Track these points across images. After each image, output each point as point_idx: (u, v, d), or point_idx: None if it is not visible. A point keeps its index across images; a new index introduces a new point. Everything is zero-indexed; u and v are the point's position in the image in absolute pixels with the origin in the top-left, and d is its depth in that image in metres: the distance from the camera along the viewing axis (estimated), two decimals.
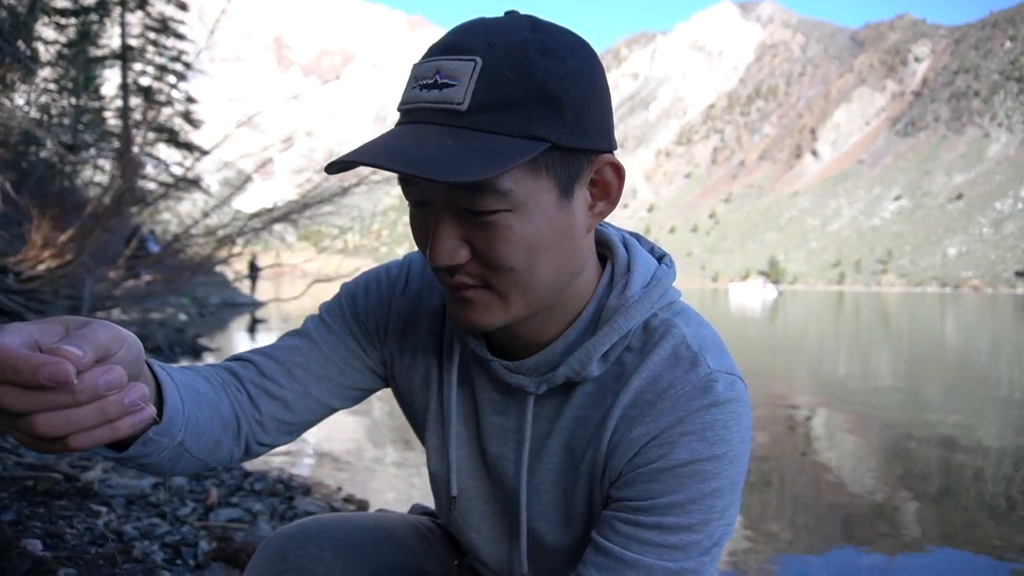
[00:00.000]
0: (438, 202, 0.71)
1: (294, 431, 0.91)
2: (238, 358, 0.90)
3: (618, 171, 0.75)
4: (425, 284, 0.93)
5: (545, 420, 0.84)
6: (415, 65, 0.71)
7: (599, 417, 0.80)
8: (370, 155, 0.66)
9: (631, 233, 0.89)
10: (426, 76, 0.69)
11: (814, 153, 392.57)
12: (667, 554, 0.74)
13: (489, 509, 0.91)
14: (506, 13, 0.74)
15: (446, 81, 0.67)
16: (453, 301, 0.76)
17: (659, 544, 0.74)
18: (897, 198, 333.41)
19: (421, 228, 0.75)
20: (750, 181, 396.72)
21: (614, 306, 0.80)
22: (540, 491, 0.85)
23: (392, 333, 0.92)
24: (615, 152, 0.76)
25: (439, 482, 0.94)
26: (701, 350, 0.78)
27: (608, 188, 0.76)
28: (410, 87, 0.70)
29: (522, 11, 0.74)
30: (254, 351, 0.90)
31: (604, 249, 0.85)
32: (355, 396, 0.94)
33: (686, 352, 0.78)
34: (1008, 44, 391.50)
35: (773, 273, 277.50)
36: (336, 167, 0.68)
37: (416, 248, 0.96)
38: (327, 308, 0.94)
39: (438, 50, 0.70)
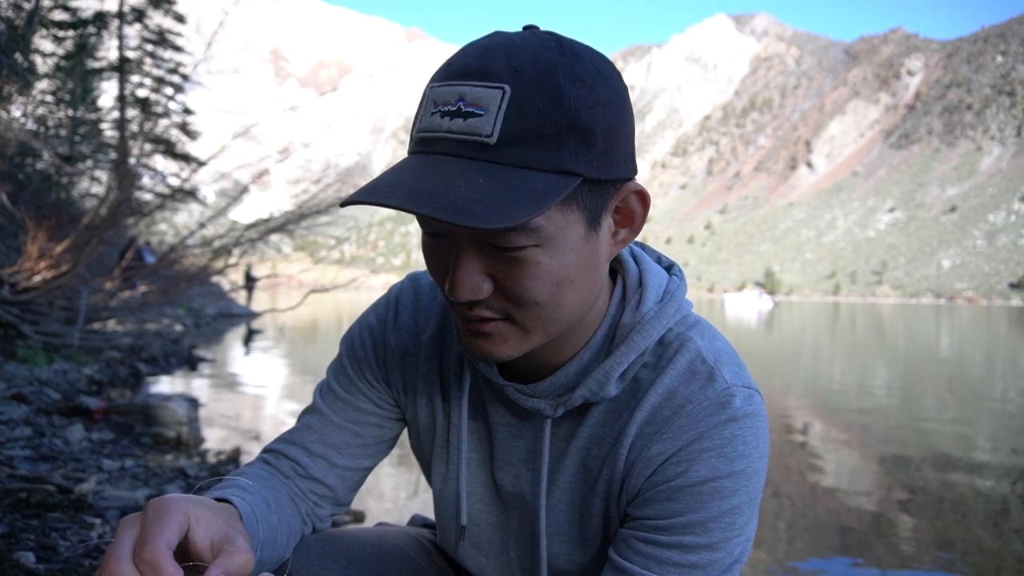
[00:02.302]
0: (460, 236, 0.67)
1: (342, 499, 0.93)
2: (269, 450, 0.93)
3: (643, 199, 0.73)
4: (419, 314, 0.92)
5: (560, 440, 0.82)
6: (433, 87, 0.66)
7: (615, 435, 0.79)
8: (396, 195, 0.61)
9: (636, 243, 0.87)
10: (447, 102, 0.64)
11: (809, 165, 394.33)
12: (688, 573, 0.73)
13: (499, 535, 0.90)
14: (525, 28, 0.70)
15: (471, 110, 0.63)
16: (468, 333, 0.73)
17: (679, 563, 0.73)
18: (891, 210, 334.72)
19: (438, 260, 0.71)
20: (745, 192, 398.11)
21: (629, 324, 0.77)
22: (556, 511, 0.84)
23: (393, 370, 0.92)
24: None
25: (447, 510, 0.92)
26: (717, 364, 0.76)
27: (632, 216, 0.73)
28: (428, 112, 0.65)
29: (521, 23, 0.72)
30: (278, 441, 0.93)
31: (613, 263, 0.82)
32: (382, 449, 0.95)
33: (702, 366, 0.76)
34: (1000, 58, 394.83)
35: (769, 284, 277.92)
36: (353, 204, 0.63)
37: (406, 278, 0.96)
38: (332, 370, 0.95)
39: (459, 73, 0.65)
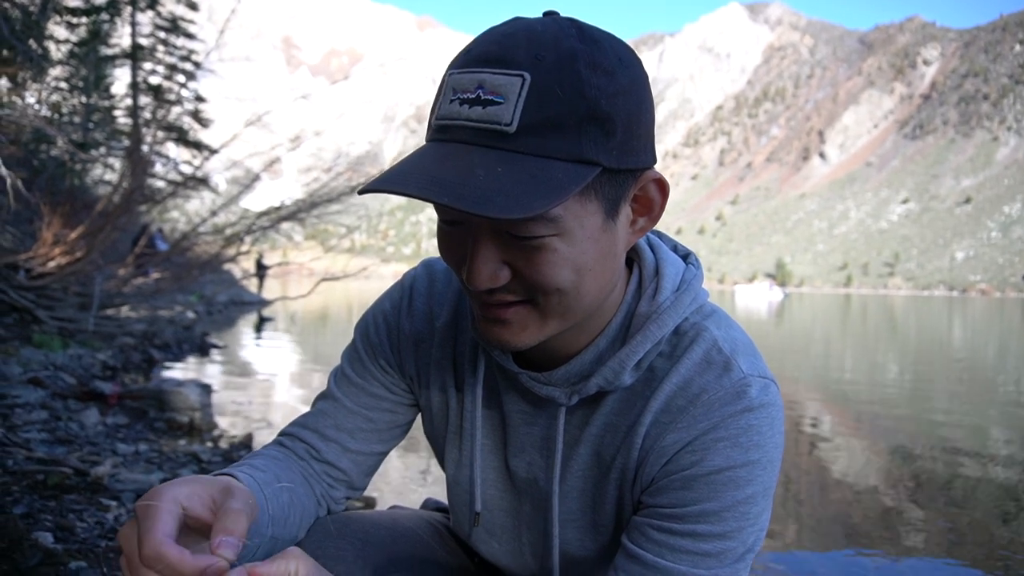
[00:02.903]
0: (478, 224, 0.67)
1: (356, 484, 0.94)
2: (284, 434, 0.94)
3: (662, 188, 0.72)
4: (433, 300, 0.92)
5: (574, 428, 0.82)
6: (452, 74, 0.66)
7: (629, 423, 0.79)
8: (414, 184, 0.60)
9: (652, 231, 0.86)
10: (467, 89, 0.63)
11: (822, 155, 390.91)
12: (701, 562, 0.73)
13: (511, 521, 0.91)
14: (545, 14, 0.69)
15: (490, 98, 0.62)
16: (486, 321, 0.73)
17: (693, 552, 0.73)
18: (905, 201, 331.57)
19: (454, 247, 0.71)
20: (757, 183, 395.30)
21: (645, 313, 0.77)
22: (568, 498, 0.84)
23: (406, 356, 0.92)
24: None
25: (460, 496, 0.93)
26: (733, 353, 0.76)
27: (651, 204, 0.73)
28: (447, 99, 0.65)
29: (532, 10, 0.70)
30: (293, 424, 0.94)
31: (630, 252, 0.82)
32: (396, 434, 0.96)
33: (718, 356, 0.76)
34: (1018, 47, 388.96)
35: (780, 275, 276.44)
36: (371, 192, 0.63)
37: (416, 266, 0.96)
38: (347, 356, 0.96)
39: (479, 60, 0.64)
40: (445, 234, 0.72)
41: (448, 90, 0.65)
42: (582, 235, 0.67)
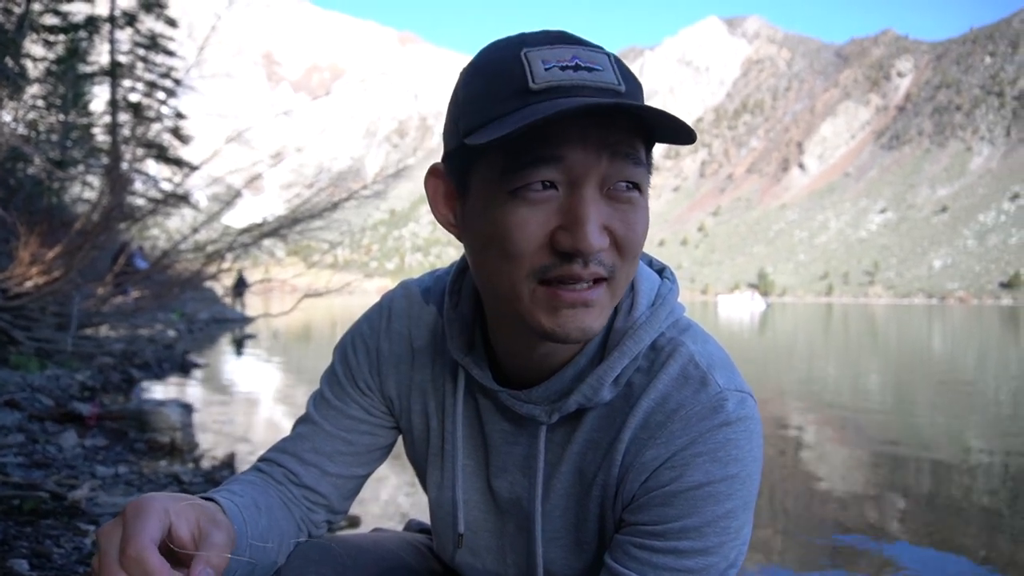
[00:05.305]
0: (585, 179, 0.67)
1: (337, 507, 0.94)
2: (263, 459, 0.94)
3: None
4: (412, 322, 0.92)
5: (556, 446, 0.82)
6: (531, 51, 0.67)
7: (609, 440, 0.79)
8: (572, 105, 0.62)
9: None
10: (563, 59, 0.66)
11: (801, 166, 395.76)
12: None
13: (496, 542, 0.90)
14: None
15: (589, 66, 0.66)
16: (569, 307, 0.70)
17: (675, 568, 0.73)
18: (883, 211, 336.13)
19: (537, 218, 0.68)
20: (738, 194, 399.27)
21: (622, 328, 0.78)
22: (552, 517, 0.84)
23: (386, 378, 0.92)
24: None
25: (443, 518, 0.92)
26: (710, 368, 0.77)
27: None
28: (541, 68, 0.66)
29: (514, 26, 0.71)
30: (271, 450, 0.94)
31: None
32: (376, 457, 0.95)
33: (694, 371, 0.76)
34: (988, 59, 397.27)
35: (762, 285, 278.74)
36: (536, 121, 0.62)
37: (398, 286, 0.95)
38: (326, 378, 0.95)
39: (561, 39, 0.69)
40: (530, 204, 0.68)
41: (535, 62, 0.67)
42: (647, 203, 0.72)
